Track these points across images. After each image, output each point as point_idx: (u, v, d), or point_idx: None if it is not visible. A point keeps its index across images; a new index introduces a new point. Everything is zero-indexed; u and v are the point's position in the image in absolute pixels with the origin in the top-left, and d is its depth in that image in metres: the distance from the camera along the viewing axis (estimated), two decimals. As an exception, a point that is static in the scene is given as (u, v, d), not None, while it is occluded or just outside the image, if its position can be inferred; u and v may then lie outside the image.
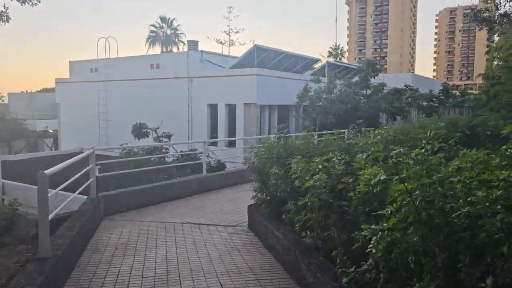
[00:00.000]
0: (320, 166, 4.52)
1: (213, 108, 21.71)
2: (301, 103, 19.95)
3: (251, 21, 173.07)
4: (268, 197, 6.38)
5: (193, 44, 24.17)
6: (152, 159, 10.70)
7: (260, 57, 21.22)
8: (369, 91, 25.01)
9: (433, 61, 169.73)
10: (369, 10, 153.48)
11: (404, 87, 30.00)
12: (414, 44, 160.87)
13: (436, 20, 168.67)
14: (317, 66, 28.42)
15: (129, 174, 10.32)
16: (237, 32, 53.13)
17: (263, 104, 20.42)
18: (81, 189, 7.34)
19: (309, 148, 6.15)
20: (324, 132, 17.61)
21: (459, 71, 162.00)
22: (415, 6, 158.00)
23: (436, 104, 40.00)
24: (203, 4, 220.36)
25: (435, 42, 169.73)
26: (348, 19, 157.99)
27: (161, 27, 55.39)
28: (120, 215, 8.07)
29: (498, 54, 27.64)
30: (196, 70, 22.21)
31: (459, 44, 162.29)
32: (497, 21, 40.86)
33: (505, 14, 40.49)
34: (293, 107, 22.62)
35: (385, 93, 25.46)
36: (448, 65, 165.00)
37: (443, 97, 41.51)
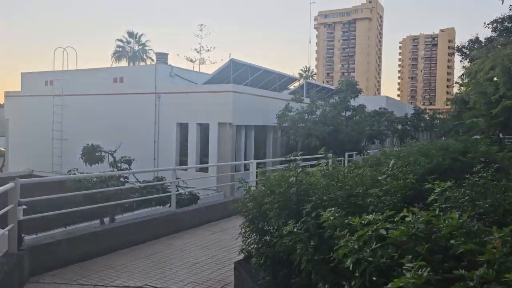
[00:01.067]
0: (384, 232, 2.57)
1: (183, 128, 19.53)
2: (281, 124, 18.14)
3: (222, 39, 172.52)
4: (272, 260, 4.33)
5: (162, 57, 22.02)
6: (109, 190, 8.43)
7: (237, 72, 19.38)
8: (348, 113, 23.72)
9: (397, 86, 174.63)
10: (336, 35, 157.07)
11: (383, 110, 28.99)
12: (380, 69, 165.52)
13: (400, 47, 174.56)
14: (291, 86, 26.94)
15: (75, 212, 8.04)
16: (208, 50, 51.40)
17: (239, 124, 18.47)
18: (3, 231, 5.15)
19: (332, 188, 4.18)
20: (309, 156, 15.83)
21: (421, 96, 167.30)
22: (380, 33, 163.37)
23: (411, 128, 39.79)
24: (174, 21, 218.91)
25: (399, 68, 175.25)
26: (316, 43, 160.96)
27: (128, 42, 52.93)
28: (53, 275, 5.77)
29: (472, 79, 27.17)
30: (164, 85, 20.05)
31: (421, 71, 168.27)
32: (468, 47, 41.41)
33: (476, 40, 41.05)
34: (271, 128, 20.79)
35: (365, 115, 24.22)
36: (412, 90, 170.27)
37: (415, 121, 41.50)
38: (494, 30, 29.77)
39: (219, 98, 17.89)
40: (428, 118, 47.22)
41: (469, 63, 40.80)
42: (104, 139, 18.37)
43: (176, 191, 8.81)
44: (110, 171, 9.33)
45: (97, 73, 22.56)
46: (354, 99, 24.82)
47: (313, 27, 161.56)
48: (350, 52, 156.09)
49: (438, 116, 58.31)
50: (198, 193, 10.09)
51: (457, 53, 41.07)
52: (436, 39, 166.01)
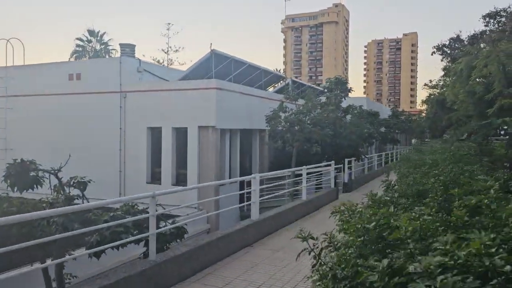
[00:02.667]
0: None
1: (155, 133, 16.28)
2: (274, 127, 15.25)
3: (190, 41, 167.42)
4: None
5: (127, 49, 18.55)
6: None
7: (219, 66, 16.36)
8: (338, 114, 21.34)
9: (363, 90, 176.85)
10: (304, 39, 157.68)
11: (374, 111, 26.92)
12: (347, 73, 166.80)
13: (365, 51, 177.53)
14: (270, 88, 24.20)
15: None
16: (177, 50, 47.74)
17: (223, 128, 15.45)
18: None
19: None
20: (312, 166, 13.10)
21: (387, 99, 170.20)
22: (347, 37, 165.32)
23: (394, 130, 38.63)
24: (139, 21, 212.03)
25: (365, 72, 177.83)
26: (284, 46, 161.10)
27: (89, 41, 48.50)
28: None
29: (458, 77, 25.55)
30: (132, 82, 16.73)
31: (386, 74, 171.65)
32: (449, 45, 40.31)
33: (457, 39, 40.01)
34: (257, 132, 17.93)
35: (360, 117, 21.88)
36: (377, 93, 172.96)
37: (399, 123, 40.70)
38: (486, 24, 28.35)
39: (200, 97, 14.79)
40: (404, 119, 47.05)
41: (448, 63, 39.89)
42: (57, 148, 14.95)
43: (156, 231, 5.80)
44: (53, 197, 6.15)
45: (49, 69, 18.84)
46: (344, 98, 22.47)
47: (281, 31, 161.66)
48: (318, 55, 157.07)
49: (413, 118, 58.64)
50: (186, 224, 7.08)
51: (437, 52, 40.00)
52: (400, 43, 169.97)
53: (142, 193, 5.95)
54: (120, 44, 18.65)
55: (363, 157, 19.83)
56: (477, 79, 22.30)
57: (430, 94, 56.35)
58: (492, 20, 27.09)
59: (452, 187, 5.54)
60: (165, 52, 48.73)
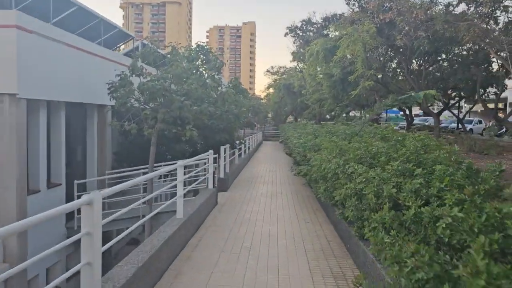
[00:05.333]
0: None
1: None
2: (123, 101, 9.68)
3: None
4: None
5: None
6: None
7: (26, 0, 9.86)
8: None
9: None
10: (145, 17, 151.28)
11: (244, 88, 23.52)
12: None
13: (207, 36, 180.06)
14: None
15: None
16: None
17: (33, 99, 9.22)
18: None
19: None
20: (194, 158, 8.29)
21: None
22: (190, 19, 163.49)
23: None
24: None
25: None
26: (123, 24, 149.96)
27: None
28: None
29: (314, 59, 24.14)
30: None
31: (228, 60, 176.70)
32: (301, 27, 39.91)
33: (308, 21, 39.76)
34: (96, 109, 12.05)
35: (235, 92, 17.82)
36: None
37: (253, 105, 39.59)
38: (347, 3, 27.47)
39: (-16, 41, 8.29)
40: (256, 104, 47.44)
41: (299, 46, 39.54)
42: None
43: None
44: None
45: None
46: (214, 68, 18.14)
47: (119, 7, 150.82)
48: (160, 36, 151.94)
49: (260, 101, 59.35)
50: None
51: (290, 34, 39.24)
52: (240, 31, 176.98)
53: None
54: None
55: (237, 143, 15.85)
56: (339, 61, 20.25)
57: (276, 80, 57.09)
58: (352, 1, 26.22)
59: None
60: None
